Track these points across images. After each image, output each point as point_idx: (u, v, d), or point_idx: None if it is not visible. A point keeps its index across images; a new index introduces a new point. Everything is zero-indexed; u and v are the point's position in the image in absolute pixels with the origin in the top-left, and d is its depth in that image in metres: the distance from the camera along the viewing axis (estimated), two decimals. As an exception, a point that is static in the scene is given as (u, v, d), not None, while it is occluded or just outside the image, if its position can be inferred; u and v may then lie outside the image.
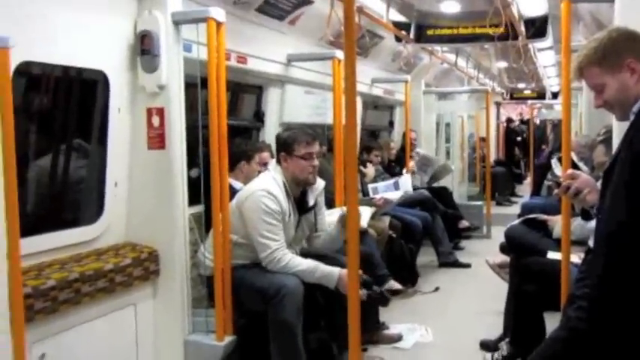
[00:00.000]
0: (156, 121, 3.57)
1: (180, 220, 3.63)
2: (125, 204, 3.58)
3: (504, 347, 3.99)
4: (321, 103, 5.64)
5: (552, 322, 3.23)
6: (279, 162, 3.93)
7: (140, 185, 3.59)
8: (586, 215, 3.12)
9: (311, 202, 3.99)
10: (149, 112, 3.58)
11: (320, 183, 4.06)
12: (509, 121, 16.68)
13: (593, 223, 2.61)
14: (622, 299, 2.13)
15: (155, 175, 3.58)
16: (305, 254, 3.89)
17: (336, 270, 3.72)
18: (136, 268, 3.41)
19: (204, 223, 3.88)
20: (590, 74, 2.37)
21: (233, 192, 3.93)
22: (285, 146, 3.88)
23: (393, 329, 4.86)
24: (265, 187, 3.77)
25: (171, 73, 3.55)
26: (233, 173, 4.25)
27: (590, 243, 2.81)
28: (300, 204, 3.94)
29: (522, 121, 17.14)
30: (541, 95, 16.04)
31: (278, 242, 3.69)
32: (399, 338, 4.73)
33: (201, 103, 3.68)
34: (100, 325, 3.24)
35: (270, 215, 3.69)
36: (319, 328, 3.94)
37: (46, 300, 2.84)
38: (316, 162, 3.92)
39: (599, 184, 2.52)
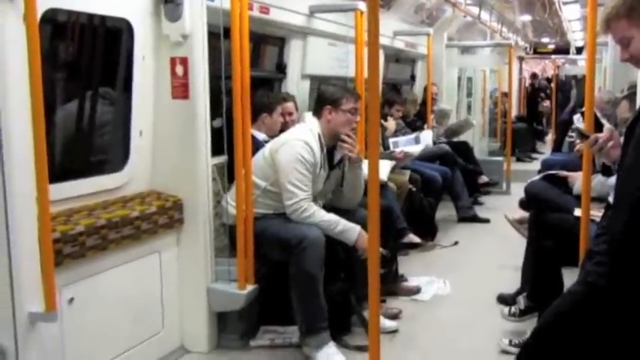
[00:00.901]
0: (180, 70, 3.60)
1: (204, 170, 3.68)
2: (150, 153, 3.63)
3: (522, 301, 4.04)
4: (344, 55, 5.63)
5: (570, 277, 3.26)
6: (315, 115, 3.99)
7: (164, 134, 3.64)
8: (607, 171, 3.15)
9: (337, 157, 4.05)
10: (173, 61, 3.61)
11: None
12: (534, 76, 16.40)
13: (613, 180, 2.63)
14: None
15: (179, 125, 3.63)
16: (327, 209, 3.94)
17: (357, 227, 3.79)
18: (161, 217, 3.48)
19: (227, 174, 3.94)
20: (617, 27, 2.37)
21: (256, 143, 3.98)
22: (332, 100, 3.94)
23: (412, 282, 4.93)
24: (302, 137, 3.84)
25: (195, 22, 3.56)
26: (255, 124, 4.29)
27: (610, 199, 2.84)
28: (330, 158, 4.00)
29: (548, 79, 16.91)
30: (565, 50, 15.82)
31: (306, 193, 3.75)
32: (417, 290, 4.81)
33: (224, 54, 3.70)
34: (126, 271, 3.33)
35: (303, 165, 3.75)
36: (339, 280, 4.01)
37: (75, 245, 2.92)
38: (359, 118, 4.01)
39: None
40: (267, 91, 4.96)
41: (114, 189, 3.43)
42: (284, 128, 4.51)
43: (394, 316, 4.28)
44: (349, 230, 3.79)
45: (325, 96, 4.01)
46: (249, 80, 3.63)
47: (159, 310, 3.62)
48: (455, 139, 8.26)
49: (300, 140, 3.81)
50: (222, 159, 3.90)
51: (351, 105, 3.94)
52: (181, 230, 3.69)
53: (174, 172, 3.65)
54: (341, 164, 4.08)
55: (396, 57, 8.19)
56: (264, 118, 4.46)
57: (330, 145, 3.98)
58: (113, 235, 3.15)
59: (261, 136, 4.36)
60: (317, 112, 4.00)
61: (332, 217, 3.79)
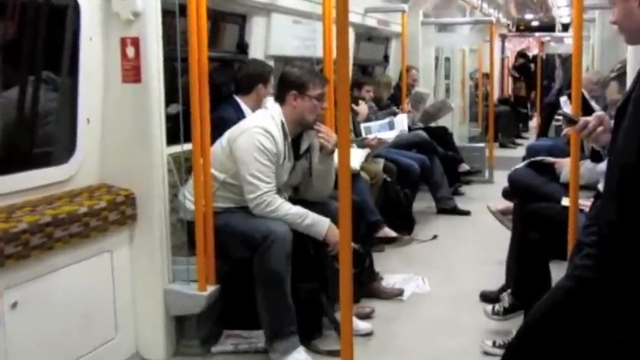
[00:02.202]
0: (130, 52, 3.58)
1: (159, 161, 3.66)
2: (99, 142, 3.61)
3: (506, 299, 4.06)
4: (311, 34, 5.62)
5: (558, 271, 3.31)
6: (278, 100, 3.96)
7: (115, 122, 3.62)
8: (596, 157, 3.18)
9: (304, 146, 4.04)
10: (123, 42, 3.58)
11: None
12: (523, 56, 16.36)
13: (603, 166, 2.67)
14: (633, 247, 2.20)
15: (130, 111, 3.61)
16: (295, 201, 3.94)
17: (326, 220, 3.80)
18: (112, 212, 3.46)
19: (185, 165, 3.92)
20: None
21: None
22: (298, 85, 3.90)
23: (388, 279, 4.94)
24: (263, 124, 3.80)
25: (147, -2, 3.55)
26: (248, 97, 4.26)
27: (600, 187, 2.88)
28: (296, 148, 3.99)
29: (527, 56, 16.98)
30: (550, 27, 15.93)
31: (269, 185, 3.73)
32: (400, 293, 4.78)
33: (180, 33, 3.67)
34: (75, 273, 3.30)
35: (264, 155, 3.73)
36: (308, 279, 4.02)
37: (17, 245, 2.89)
38: (326, 104, 4.01)
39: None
40: (261, 60, 4.90)
41: (60, 182, 3.40)
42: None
43: (366, 316, 4.29)
44: (318, 223, 3.79)
45: (290, 79, 3.95)
46: (207, 62, 3.62)
47: (111, 314, 3.60)
48: (433, 125, 8.31)
49: (259, 127, 3.78)
50: (179, 148, 3.88)
51: (318, 91, 3.91)
52: (134, 227, 3.68)
53: (125, 163, 3.63)
54: (308, 154, 4.07)
55: (367, 36, 8.19)
56: (259, 89, 4.42)
57: (295, 133, 3.96)
58: (59, 233, 3.12)
59: (249, 112, 4.33)
60: (280, 97, 3.96)
61: (299, 209, 3.79)
